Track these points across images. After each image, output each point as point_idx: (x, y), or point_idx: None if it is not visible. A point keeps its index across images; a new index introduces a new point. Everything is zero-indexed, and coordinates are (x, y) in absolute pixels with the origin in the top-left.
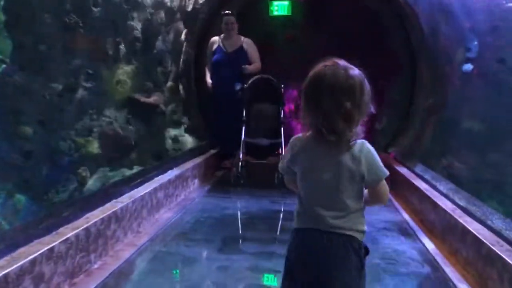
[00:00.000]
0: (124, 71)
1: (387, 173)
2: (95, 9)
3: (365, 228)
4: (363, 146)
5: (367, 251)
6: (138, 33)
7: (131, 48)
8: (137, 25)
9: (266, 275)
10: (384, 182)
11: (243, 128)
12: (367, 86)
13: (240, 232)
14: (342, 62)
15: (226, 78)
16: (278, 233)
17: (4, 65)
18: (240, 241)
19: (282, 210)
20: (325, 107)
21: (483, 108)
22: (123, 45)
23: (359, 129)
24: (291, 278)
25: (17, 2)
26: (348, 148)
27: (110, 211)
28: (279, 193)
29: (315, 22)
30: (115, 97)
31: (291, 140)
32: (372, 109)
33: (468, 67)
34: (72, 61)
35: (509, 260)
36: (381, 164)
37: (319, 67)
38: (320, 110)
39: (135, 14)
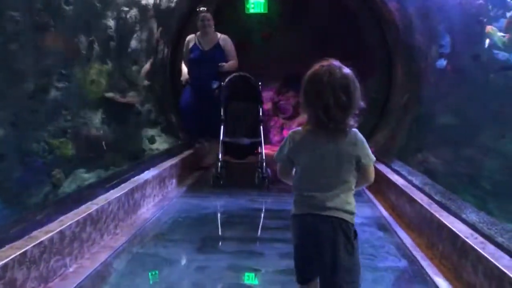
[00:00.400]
0: (98, 71)
1: (374, 158)
2: (67, 8)
3: (355, 210)
4: (357, 134)
5: (355, 234)
6: (111, 31)
7: (105, 47)
8: (111, 23)
9: (246, 274)
10: (372, 164)
11: (221, 127)
12: (357, 83)
13: (219, 231)
14: (336, 63)
15: (203, 76)
16: (257, 232)
17: None
18: (219, 241)
19: (263, 209)
20: (325, 100)
21: (457, 103)
22: (96, 44)
23: (352, 120)
24: (298, 253)
25: None
26: (345, 135)
27: (85, 213)
28: (258, 192)
29: (291, 21)
30: (90, 97)
31: (290, 133)
32: (362, 104)
33: (442, 63)
34: (44, 61)
35: (482, 252)
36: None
37: (316, 67)
38: (320, 103)
39: (108, 13)
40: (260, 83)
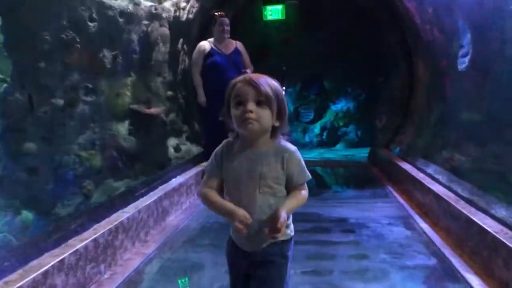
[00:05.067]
0: (123, 84)
1: None
2: (91, 24)
3: None
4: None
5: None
6: (135, 45)
7: (128, 61)
8: (133, 37)
9: None
10: None
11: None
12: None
13: None
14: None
15: (228, 82)
16: None
17: (5, 84)
18: None
19: None
20: None
21: (480, 99)
22: (120, 58)
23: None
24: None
25: (15, 22)
26: None
27: (117, 222)
28: None
29: (309, 25)
30: (116, 109)
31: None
32: None
33: (464, 60)
34: (71, 76)
35: None
36: None
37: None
38: None
39: (130, 27)
40: (284, 88)
